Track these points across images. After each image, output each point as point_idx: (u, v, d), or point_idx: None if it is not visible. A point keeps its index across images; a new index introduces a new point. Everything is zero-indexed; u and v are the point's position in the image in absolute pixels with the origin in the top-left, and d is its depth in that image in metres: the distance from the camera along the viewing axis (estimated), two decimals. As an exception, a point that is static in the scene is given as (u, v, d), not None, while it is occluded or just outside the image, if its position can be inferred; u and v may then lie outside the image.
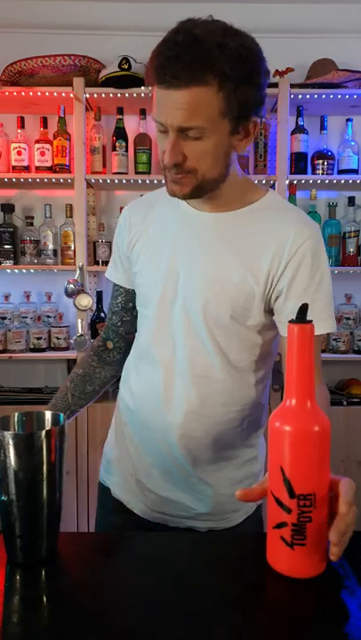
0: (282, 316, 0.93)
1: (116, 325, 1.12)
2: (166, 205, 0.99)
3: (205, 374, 0.95)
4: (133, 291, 1.06)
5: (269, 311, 0.95)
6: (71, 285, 2.22)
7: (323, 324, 0.91)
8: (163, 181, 0.93)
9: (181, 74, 0.76)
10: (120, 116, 2.31)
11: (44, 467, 0.75)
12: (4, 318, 2.39)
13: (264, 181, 2.32)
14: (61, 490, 0.79)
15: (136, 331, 1.08)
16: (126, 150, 2.30)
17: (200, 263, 0.94)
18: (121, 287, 1.09)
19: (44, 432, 0.75)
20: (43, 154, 2.29)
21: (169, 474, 1.01)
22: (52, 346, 2.37)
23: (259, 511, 1.09)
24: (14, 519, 0.74)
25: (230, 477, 1.02)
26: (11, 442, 0.73)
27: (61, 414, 0.83)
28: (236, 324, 0.93)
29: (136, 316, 1.08)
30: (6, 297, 2.45)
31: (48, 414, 0.84)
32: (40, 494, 0.75)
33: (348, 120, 2.38)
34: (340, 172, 2.36)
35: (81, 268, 2.27)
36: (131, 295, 1.08)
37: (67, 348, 2.36)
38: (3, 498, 0.74)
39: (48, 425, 0.84)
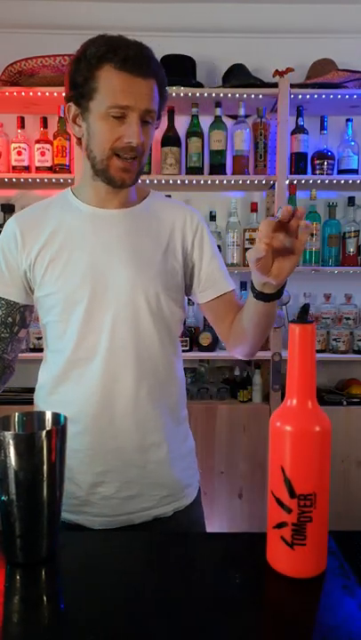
0: (201, 284, 1.09)
1: None
2: (63, 211, 1.05)
3: (148, 356, 1.02)
4: (16, 304, 1.06)
5: (184, 287, 1.09)
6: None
7: (223, 285, 1.09)
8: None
9: (147, 67, 0.93)
10: (120, 116, 2.31)
11: (45, 467, 0.75)
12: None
13: (264, 181, 2.32)
14: (62, 490, 0.79)
15: (12, 354, 1.11)
16: (126, 150, 2.30)
17: (122, 256, 1.01)
18: (2, 300, 1.06)
19: (44, 432, 0.75)
20: (43, 154, 2.29)
21: (124, 471, 1.02)
22: (52, 346, 2.37)
23: (199, 482, 1.15)
24: (14, 519, 0.74)
25: (177, 443, 1.08)
26: (11, 442, 0.73)
27: (62, 414, 0.83)
28: (167, 303, 1.04)
29: (14, 335, 1.09)
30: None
31: (49, 414, 0.83)
32: (40, 494, 0.75)
33: (348, 120, 2.38)
34: (340, 172, 2.36)
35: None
36: (12, 309, 1.06)
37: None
38: (3, 498, 0.74)
39: (48, 425, 0.83)
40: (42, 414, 0.84)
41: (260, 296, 0.93)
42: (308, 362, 0.72)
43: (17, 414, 0.83)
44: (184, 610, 0.67)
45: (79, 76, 0.95)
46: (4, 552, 0.77)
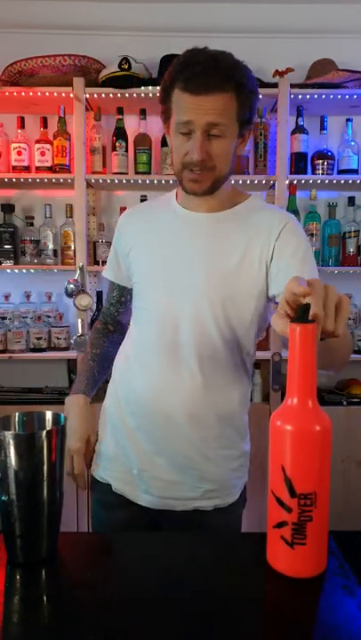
0: (277, 283, 1.03)
1: (113, 315, 1.28)
2: (162, 212, 1.15)
3: (211, 355, 1.06)
4: (125, 288, 1.22)
5: (265, 294, 1.07)
6: (71, 285, 2.22)
7: (305, 276, 0.99)
8: (172, 181, 0.98)
9: (211, 83, 0.96)
10: (120, 116, 2.31)
11: (45, 467, 0.75)
12: (5, 318, 2.39)
13: (264, 181, 2.32)
14: (62, 490, 0.79)
15: (128, 320, 1.23)
16: (126, 150, 2.30)
17: (203, 256, 1.06)
18: (115, 283, 1.24)
19: (44, 432, 0.75)
20: (43, 154, 2.29)
21: (174, 458, 1.08)
22: (53, 346, 2.37)
23: (245, 484, 1.20)
24: (14, 519, 0.74)
25: (231, 444, 1.12)
26: (11, 442, 0.73)
27: (62, 415, 0.83)
28: (233, 308, 1.05)
29: (129, 308, 1.22)
30: (6, 297, 2.45)
31: (49, 414, 0.84)
32: (40, 494, 0.75)
33: (348, 120, 2.38)
34: (340, 172, 2.36)
35: (81, 268, 2.27)
36: (123, 291, 1.23)
37: (67, 348, 2.36)
38: (3, 498, 0.74)
39: (49, 425, 0.84)
40: (42, 414, 0.84)
41: None
42: (309, 361, 0.72)
43: (17, 414, 0.84)
44: (184, 610, 0.67)
45: (161, 97, 1.05)
46: (4, 552, 0.77)
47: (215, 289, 1.05)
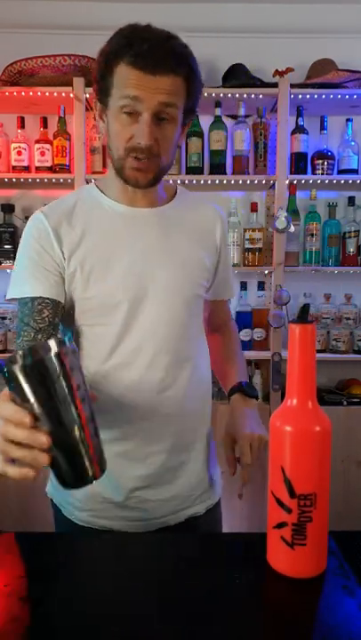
0: (214, 284, 1.11)
1: None
2: (92, 208, 1.00)
3: (194, 356, 1.04)
4: (59, 303, 0.97)
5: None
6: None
7: (232, 288, 1.19)
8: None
9: (164, 63, 0.86)
10: (120, 116, 2.31)
11: (65, 390, 0.65)
12: (5, 318, 2.39)
13: (264, 181, 2.32)
14: (91, 406, 0.69)
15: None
16: (126, 150, 2.30)
17: (162, 258, 0.99)
18: (47, 300, 0.97)
19: (53, 353, 0.64)
20: (43, 154, 2.29)
21: (164, 475, 1.02)
22: (52, 346, 2.37)
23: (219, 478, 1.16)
24: (51, 448, 0.65)
25: (208, 442, 1.10)
26: (21, 373, 0.63)
27: (68, 334, 0.72)
28: (198, 301, 1.05)
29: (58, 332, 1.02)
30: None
31: (52, 342, 0.68)
32: (68, 416, 0.65)
33: (348, 120, 2.38)
34: (340, 172, 2.36)
35: (81, 268, 2.26)
36: (57, 308, 0.97)
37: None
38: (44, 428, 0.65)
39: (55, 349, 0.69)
40: (46, 344, 0.68)
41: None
42: (309, 362, 0.72)
43: (20, 351, 0.68)
44: (184, 610, 0.67)
45: (99, 71, 0.92)
46: (5, 552, 0.77)
47: (187, 289, 1.01)
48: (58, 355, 0.65)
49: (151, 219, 1.01)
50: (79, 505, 1.03)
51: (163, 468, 1.01)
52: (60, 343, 0.66)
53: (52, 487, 1.10)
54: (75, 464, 0.68)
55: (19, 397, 0.65)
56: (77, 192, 1.05)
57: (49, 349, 0.64)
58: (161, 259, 0.99)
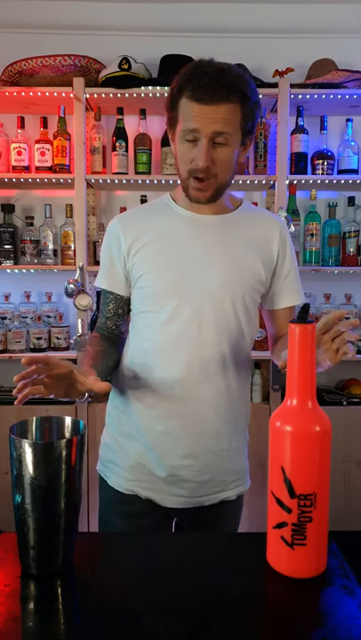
0: (273, 293, 1.19)
1: (111, 329, 1.22)
2: (162, 213, 1.15)
3: (231, 352, 1.11)
4: (122, 298, 1.18)
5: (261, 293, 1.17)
6: (71, 285, 2.22)
7: (298, 296, 1.20)
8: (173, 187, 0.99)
9: (217, 94, 0.99)
10: (120, 117, 2.31)
11: (62, 477, 0.72)
12: (5, 318, 2.39)
13: (264, 181, 2.32)
14: (79, 501, 0.75)
15: (125, 332, 1.22)
16: (126, 150, 2.30)
17: (216, 258, 1.09)
18: (112, 294, 1.18)
19: (63, 442, 0.71)
20: (43, 154, 2.29)
21: (204, 458, 1.11)
22: (53, 346, 2.37)
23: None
24: (27, 529, 0.72)
25: (244, 433, 1.20)
26: (28, 450, 0.69)
27: (81, 421, 0.79)
28: (251, 305, 1.13)
29: (125, 321, 1.21)
30: (6, 297, 2.45)
31: (68, 420, 0.79)
32: (57, 505, 0.72)
33: (348, 120, 2.38)
34: (340, 172, 2.36)
35: (81, 268, 2.27)
36: (120, 302, 1.19)
37: (67, 348, 2.36)
38: (18, 507, 0.71)
39: (67, 432, 0.80)
40: (61, 420, 0.80)
41: None
42: (308, 362, 0.72)
43: (35, 419, 0.80)
44: (184, 610, 0.67)
45: (167, 104, 1.08)
46: (5, 555, 0.77)
47: (236, 289, 1.10)
48: (67, 451, 0.72)
49: (212, 223, 1.12)
50: (125, 475, 1.15)
51: (202, 450, 1.10)
52: (68, 441, 0.72)
53: (100, 463, 1.22)
54: (50, 552, 0.73)
55: (15, 465, 0.71)
56: (153, 202, 1.21)
57: (58, 446, 0.72)
58: (215, 259, 1.09)
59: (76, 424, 0.80)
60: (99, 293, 2.42)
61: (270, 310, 1.22)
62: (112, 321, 1.21)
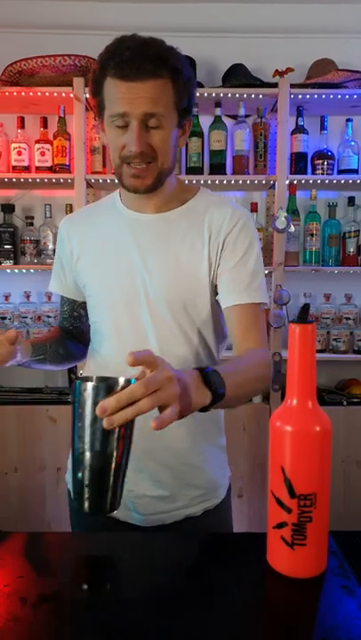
0: (221, 288, 1.01)
1: (68, 329, 1.20)
2: (107, 214, 1.08)
3: (181, 362, 1.00)
4: (75, 301, 1.15)
5: (215, 291, 1.03)
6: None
7: (249, 293, 1.00)
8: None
9: (143, 68, 0.88)
10: (120, 116, 2.31)
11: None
12: (4, 318, 2.39)
13: (264, 181, 2.32)
14: (130, 447, 0.76)
15: (86, 332, 1.16)
16: (126, 150, 2.30)
17: (155, 263, 1.01)
18: (65, 297, 1.16)
19: (122, 379, 0.73)
20: (43, 154, 2.29)
21: (158, 473, 1.04)
22: (52, 346, 2.37)
23: (229, 479, 1.15)
24: (84, 468, 0.73)
25: (211, 443, 1.09)
26: (91, 391, 0.71)
27: (133, 379, 0.76)
28: (197, 308, 1.02)
29: (85, 323, 1.16)
30: (6, 297, 2.45)
31: (121, 380, 0.77)
32: (113, 446, 0.73)
33: (348, 120, 2.38)
34: (340, 172, 2.36)
35: (81, 268, 2.27)
36: (73, 305, 1.15)
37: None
38: (78, 446, 0.73)
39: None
40: (113, 379, 0.78)
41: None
42: (309, 362, 0.72)
43: (94, 377, 0.79)
44: (184, 610, 0.67)
45: (92, 89, 0.97)
46: (6, 551, 0.77)
47: (175, 294, 1.00)
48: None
49: (153, 224, 1.03)
50: None
51: (156, 466, 1.04)
52: (127, 381, 0.73)
53: (69, 474, 1.14)
54: (101, 490, 0.74)
55: (78, 410, 0.72)
56: (104, 198, 1.14)
57: (117, 384, 0.72)
58: (153, 262, 1.01)
59: (127, 382, 0.77)
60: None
61: (224, 310, 1.03)
62: (68, 322, 1.18)
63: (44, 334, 1.10)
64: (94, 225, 1.08)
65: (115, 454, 0.74)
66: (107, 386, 0.72)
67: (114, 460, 0.74)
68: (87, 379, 0.79)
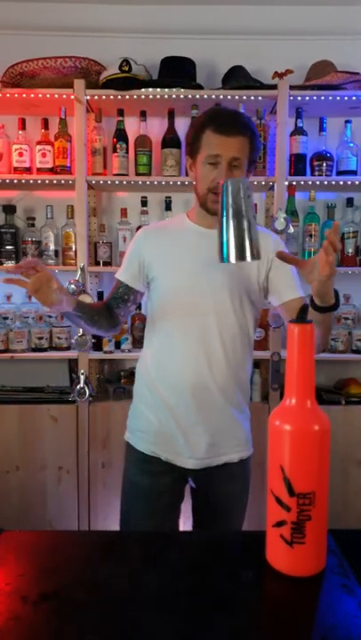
0: (276, 286, 1.39)
1: (112, 306, 1.48)
2: (178, 230, 1.43)
3: (231, 339, 1.36)
4: (132, 288, 1.46)
5: (262, 293, 1.41)
6: (72, 286, 2.23)
7: (300, 290, 1.38)
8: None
9: (236, 129, 1.30)
10: (121, 118, 2.32)
11: (249, 203, 1.09)
12: (6, 318, 2.40)
13: (263, 183, 2.33)
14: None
15: (123, 317, 1.50)
16: (127, 152, 2.31)
17: (218, 265, 1.22)
18: (124, 283, 1.46)
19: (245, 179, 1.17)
20: (44, 155, 2.29)
21: (210, 425, 1.35)
22: (54, 346, 2.37)
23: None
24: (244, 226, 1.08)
25: (245, 410, 1.45)
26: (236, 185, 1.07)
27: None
28: (249, 301, 1.37)
29: (127, 308, 1.49)
30: (8, 297, 2.45)
31: (246, 180, 1.20)
32: (249, 212, 1.09)
33: (346, 122, 2.38)
34: (339, 173, 2.36)
35: (82, 269, 2.27)
36: (129, 291, 1.46)
37: (68, 348, 2.37)
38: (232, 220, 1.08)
39: None
40: (245, 181, 1.13)
41: (317, 308, 1.14)
42: (307, 361, 0.73)
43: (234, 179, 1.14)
44: (184, 609, 0.68)
45: (191, 137, 1.35)
46: (5, 552, 0.78)
47: (234, 287, 1.34)
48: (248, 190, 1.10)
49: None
50: (149, 439, 1.40)
51: (210, 420, 1.34)
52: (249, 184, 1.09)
53: (128, 432, 1.48)
54: (246, 240, 1.08)
55: (230, 197, 1.08)
56: (172, 219, 1.55)
57: (248, 184, 1.10)
58: (217, 266, 1.24)
59: None
60: (99, 294, 2.45)
61: (280, 305, 1.40)
62: (116, 302, 1.47)
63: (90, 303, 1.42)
64: (169, 236, 1.42)
65: (249, 218, 1.08)
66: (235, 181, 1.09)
67: (248, 221, 1.08)
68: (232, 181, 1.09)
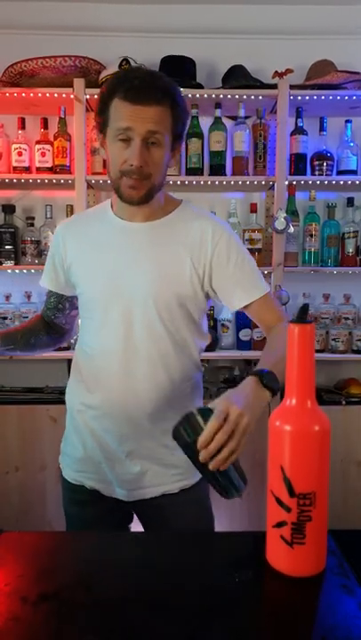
0: (223, 293, 1.16)
1: (50, 318, 1.33)
2: (100, 222, 1.20)
3: (163, 357, 1.13)
4: (63, 295, 1.28)
5: (205, 294, 1.17)
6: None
7: (256, 290, 1.14)
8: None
9: (149, 95, 1.03)
10: (120, 117, 2.31)
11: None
12: (5, 318, 2.39)
13: (263, 182, 2.33)
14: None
15: (67, 325, 1.35)
16: (126, 151, 2.31)
17: (143, 264, 1.12)
18: (53, 292, 1.29)
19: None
20: (43, 154, 2.29)
21: (140, 453, 1.16)
22: (53, 346, 2.37)
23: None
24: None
25: None
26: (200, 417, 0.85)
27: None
28: (180, 312, 1.14)
29: (67, 316, 1.32)
30: (7, 297, 2.45)
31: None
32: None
33: (347, 121, 2.38)
34: (340, 172, 2.36)
35: (81, 269, 2.27)
36: (60, 298, 1.29)
37: (67, 348, 2.36)
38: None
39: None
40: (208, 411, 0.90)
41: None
42: (308, 361, 0.73)
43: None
44: (184, 609, 0.68)
45: (98, 107, 1.10)
46: (4, 552, 0.77)
47: (159, 293, 1.11)
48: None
49: (141, 231, 1.15)
50: (74, 466, 1.22)
51: (139, 448, 1.15)
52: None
53: (60, 457, 1.29)
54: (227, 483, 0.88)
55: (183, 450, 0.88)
56: (97, 207, 1.26)
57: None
58: (140, 267, 1.12)
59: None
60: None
61: (241, 309, 1.18)
62: (52, 312, 1.32)
63: (20, 323, 1.21)
64: (87, 233, 1.20)
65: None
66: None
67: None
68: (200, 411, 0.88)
